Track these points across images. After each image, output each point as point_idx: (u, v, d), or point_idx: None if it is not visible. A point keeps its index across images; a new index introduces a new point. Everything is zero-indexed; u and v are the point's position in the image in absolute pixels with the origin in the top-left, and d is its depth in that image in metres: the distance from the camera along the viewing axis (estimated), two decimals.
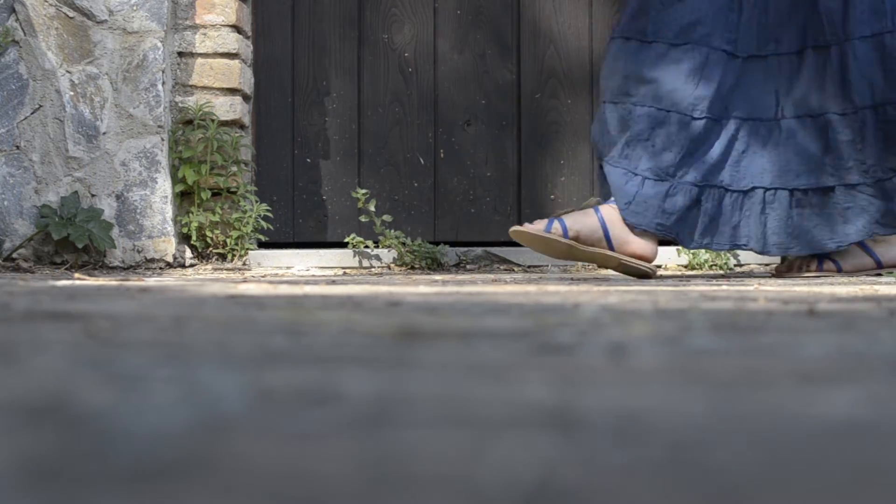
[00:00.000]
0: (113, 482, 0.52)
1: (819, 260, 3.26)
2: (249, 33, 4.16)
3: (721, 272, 3.94)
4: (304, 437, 0.63)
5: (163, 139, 3.90)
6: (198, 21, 3.98)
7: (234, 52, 3.99)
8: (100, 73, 3.89)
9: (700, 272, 3.95)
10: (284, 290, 2.27)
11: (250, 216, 3.98)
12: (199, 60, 3.99)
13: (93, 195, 3.92)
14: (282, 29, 4.23)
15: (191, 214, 3.96)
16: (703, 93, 3.08)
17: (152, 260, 3.95)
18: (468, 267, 4.11)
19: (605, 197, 3.20)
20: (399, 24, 4.25)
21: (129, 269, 3.91)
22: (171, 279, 3.09)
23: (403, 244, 4.06)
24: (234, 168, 3.99)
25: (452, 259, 4.13)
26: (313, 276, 3.64)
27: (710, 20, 3.08)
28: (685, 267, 4.14)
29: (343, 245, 4.08)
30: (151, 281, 2.87)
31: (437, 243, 4.15)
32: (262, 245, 4.12)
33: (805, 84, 3.09)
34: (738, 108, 3.11)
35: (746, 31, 3.11)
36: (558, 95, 4.30)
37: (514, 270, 4.03)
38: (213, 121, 3.95)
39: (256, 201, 4.02)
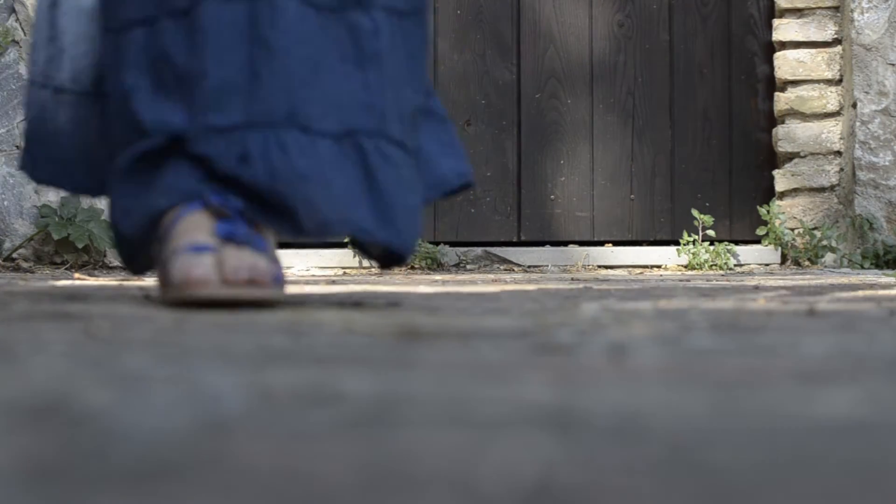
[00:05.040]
0: (113, 482, 0.52)
1: None
2: None
3: (721, 272, 3.94)
4: (303, 438, 0.63)
5: None
6: None
7: None
8: None
9: (700, 272, 3.95)
10: None
11: None
12: None
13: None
14: None
15: None
16: None
17: None
18: (468, 267, 4.11)
19: None
20: None
21: None
22: None
23: None
24: None
25: (452, 259, 4.13)
26: (313, 275, 3.64)
27: None
28: (685, 267, 4.14)
29: (343, 245, 4.08)
30: (151, 281, 2.87)
31: (437, 243, 4.15)
32: None
33: None
34: None
35: None
36: (558, 95, 4.30)
37: (513, 270, 4.03)
38: None
39: None
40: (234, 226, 1.65)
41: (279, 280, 1.66)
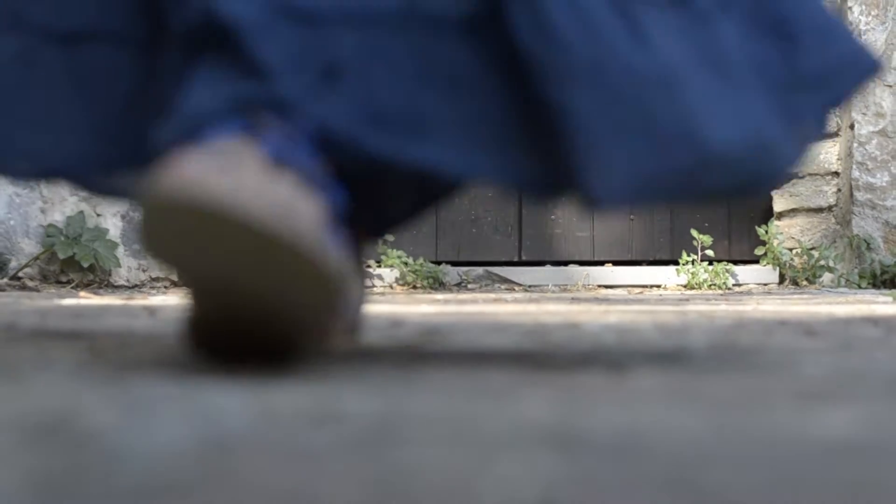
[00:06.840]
0: (118, 500, 0.53)
1: None
2: None
3: (719, 291, 3.95)
4: (307, 456, 0.64)
5: None
6: None
7: None
8: None
9: (699, 291, 3.95)
10: None
11: None
12: None
13: (98, 215, 3.93)
14: None
15: None
16: None
17: (157, 279, 3.95)
18: (469, 286, 4.12)
19: None
20: None
21: (134, 287, 3.92)
22: (175, 298, 3.09)
23: (405, 263, 4.07)
24: None
25: (454, 278, 4.13)
26: None
27: None
28: (684, 286, 4.14)
29: None
30: (156, 300, 2.87)
31: (438, 263, 4.15)
32: None
33: None
34: None
35: None
36: None
37: (514, 290, 4.03)
38: None
39: None
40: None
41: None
